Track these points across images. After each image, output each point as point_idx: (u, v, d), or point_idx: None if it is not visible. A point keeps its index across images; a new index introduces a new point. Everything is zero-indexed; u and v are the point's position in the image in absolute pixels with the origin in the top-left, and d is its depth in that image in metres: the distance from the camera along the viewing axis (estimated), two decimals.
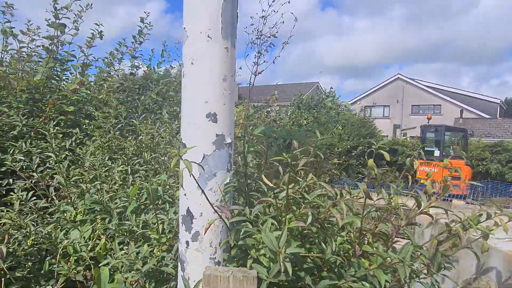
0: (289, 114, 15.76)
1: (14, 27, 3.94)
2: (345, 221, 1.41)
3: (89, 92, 3.98)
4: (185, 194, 1.46)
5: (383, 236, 1.42)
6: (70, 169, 2.65)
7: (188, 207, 1.45)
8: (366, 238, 1.43)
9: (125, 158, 2.72)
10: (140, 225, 1.79)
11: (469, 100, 34.17)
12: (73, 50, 4.17)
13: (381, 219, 1.43)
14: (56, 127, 3.39)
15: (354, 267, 1.38)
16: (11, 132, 3.34)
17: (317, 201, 1.32)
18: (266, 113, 4.40)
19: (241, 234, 1.35)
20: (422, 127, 16.52)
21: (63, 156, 2.99)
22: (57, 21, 3.98)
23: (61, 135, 3.35)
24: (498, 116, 32.79)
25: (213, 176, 1.44)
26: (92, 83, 4.02)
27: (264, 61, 2.89)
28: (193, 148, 1.40)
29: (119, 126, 3.16)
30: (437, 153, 15.20)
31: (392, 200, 1.53)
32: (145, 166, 2.59)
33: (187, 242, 1.46)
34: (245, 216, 1.37)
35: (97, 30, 3.89)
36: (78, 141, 3.26)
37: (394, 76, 37.42)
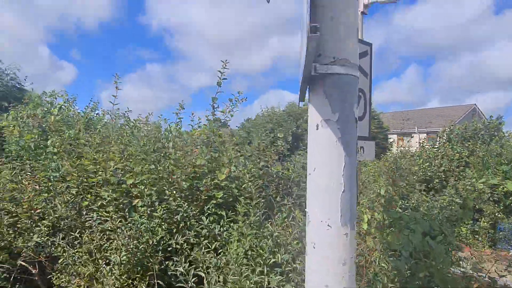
0: (437, 146, 14.00)
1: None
2: None
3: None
4: None
5: None
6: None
7: None
8: None
9: None
10: None
11: None
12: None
13: None
14: (208, 211, 3.99)
15: None
16: (175, 216, 4.03)
17: None
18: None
19: None
20: None
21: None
22: (212, 117, 4.82)
23: (214, 217, 3.97)
24: None
25: None
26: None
27: None
28: None
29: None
30: None
31: None
32: None
33: None
34: None
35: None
36: (227, 220, 3.84)
37: None
